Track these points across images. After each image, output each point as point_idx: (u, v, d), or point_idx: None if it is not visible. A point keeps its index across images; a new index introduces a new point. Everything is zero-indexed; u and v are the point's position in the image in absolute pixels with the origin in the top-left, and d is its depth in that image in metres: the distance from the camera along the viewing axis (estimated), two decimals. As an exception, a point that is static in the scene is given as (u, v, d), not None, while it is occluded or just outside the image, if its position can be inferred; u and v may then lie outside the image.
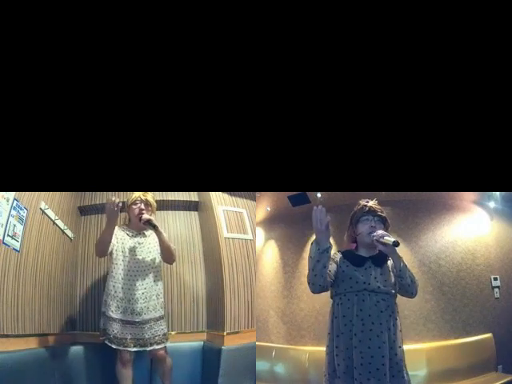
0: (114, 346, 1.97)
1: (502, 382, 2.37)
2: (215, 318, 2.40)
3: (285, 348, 3.22)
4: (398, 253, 1.37)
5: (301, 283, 3.41)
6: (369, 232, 1.42)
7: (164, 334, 2.07)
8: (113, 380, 2.12)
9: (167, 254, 2.09)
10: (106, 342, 1.99)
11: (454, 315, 2.79)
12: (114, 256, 2.05)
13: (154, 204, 2.15)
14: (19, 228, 1.76)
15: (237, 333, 2.25)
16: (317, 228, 1.25)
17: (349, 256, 1.46)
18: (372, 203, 1.48)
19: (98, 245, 2.02)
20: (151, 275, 2.08)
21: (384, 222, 1.46)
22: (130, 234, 2.13)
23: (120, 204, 1.80)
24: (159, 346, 2.03)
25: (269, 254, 3.68)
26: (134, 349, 1.99)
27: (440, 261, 2.90)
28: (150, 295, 2.05)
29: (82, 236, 2.65)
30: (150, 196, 2.13)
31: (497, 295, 2.81)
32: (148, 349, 2.01)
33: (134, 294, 2.02)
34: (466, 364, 2.55)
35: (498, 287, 2.82)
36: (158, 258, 2.13)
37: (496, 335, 2.68)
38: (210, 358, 2.24)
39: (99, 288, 2.45)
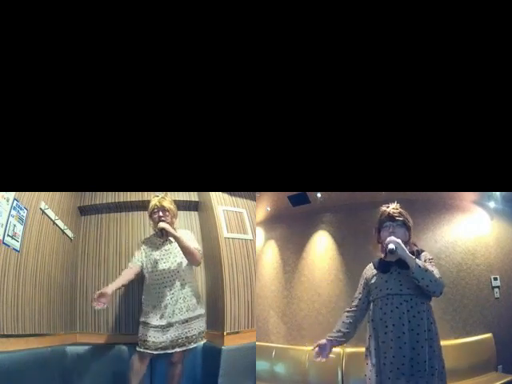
0: (140, 350, 2.02)
1: (502, 382, 2.36)
2: (215, 318, 2.39)
3: (285, 348, 3.21)
4: (409, 255, 1.37)
5: (301, 283, 3.40)
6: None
7: (186, 338, 2.05)
8: (113, 380, 2.12)
9: (188, 256, 2.09)
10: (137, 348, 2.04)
11: (454, 315, 2.78)
12: (145, 269, 2.13)
13: (172, 207, 2.15)
14: (19, 228, 1.76)
15: (237, 333, 2.25)
16: None
17: (377, 264, 1.53)
18: (391, 208, 1.50)
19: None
20: (178, 279, 2.10)
21: (405, 226, 1.48)
22: (158, 242, 2.17)
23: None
24: (180, 349, 2.04)
25: (269, 254, 3.68)
26: (155, 352, 2.00)
27: (440, 261, 2.88)
28: (176, 299, 2.06)
29: (81, 236, 2.65)
30: (167, 201, 2.13)
31: (497, 295, 2.80)
32: (169, 351, 2.02)
33: (162, 300, 2.05)
34: (466, 364, 2.54)
35: (498, 287, 2.81)
36: (185, 262, 2.13)
37: (496, 335, 2.67)
38: (210, 357, 2.23)
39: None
